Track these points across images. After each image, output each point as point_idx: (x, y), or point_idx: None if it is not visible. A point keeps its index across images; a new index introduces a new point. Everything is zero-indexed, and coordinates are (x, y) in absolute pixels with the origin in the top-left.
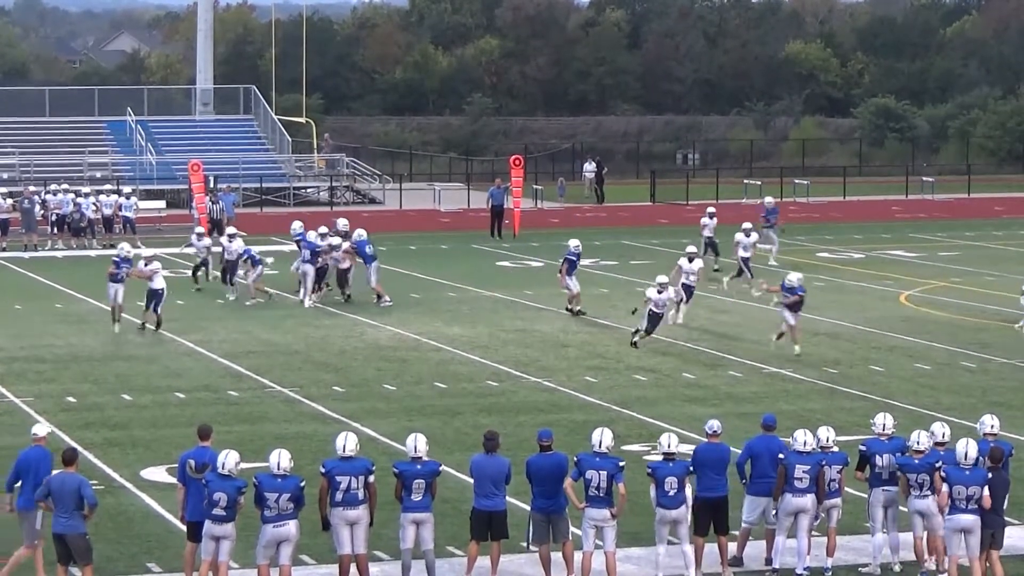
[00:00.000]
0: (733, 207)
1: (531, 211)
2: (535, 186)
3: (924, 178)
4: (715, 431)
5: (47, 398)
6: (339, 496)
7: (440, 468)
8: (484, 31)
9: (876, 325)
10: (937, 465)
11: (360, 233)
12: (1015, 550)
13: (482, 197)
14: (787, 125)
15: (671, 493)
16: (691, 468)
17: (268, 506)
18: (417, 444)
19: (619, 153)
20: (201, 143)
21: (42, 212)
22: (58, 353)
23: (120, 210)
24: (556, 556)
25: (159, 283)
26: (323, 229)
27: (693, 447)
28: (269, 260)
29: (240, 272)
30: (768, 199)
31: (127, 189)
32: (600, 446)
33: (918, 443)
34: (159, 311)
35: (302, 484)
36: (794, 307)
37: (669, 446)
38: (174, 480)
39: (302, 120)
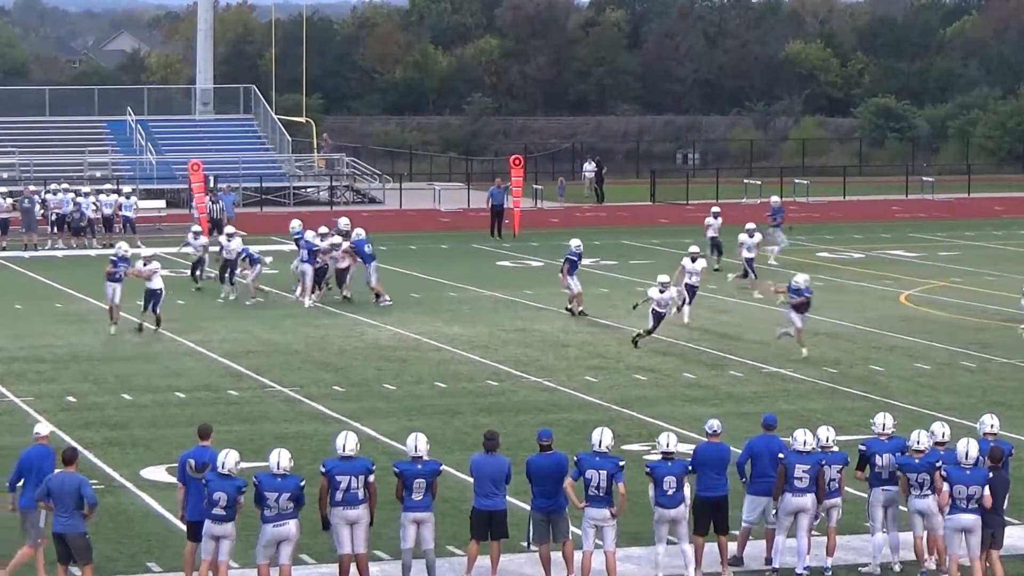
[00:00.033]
0: (734, 207)
1: (531, 211)
2: (535, 186)
3: (924, 178)
4: (715, 431)
5: (47, 398)
6: (339, 496)
7: (441, 468)
8: (484, 31)
9: (876, 325)
10: (938, 465)
11: (358, 232)
12: (1015, 550)
13: (482, 197)
14: (787, 125)
15: (669, 492)
16: (690, 467)
17: (268, 506)
18: (418, 444)
19: (619, 153)
20: (201, 143)
21: (42, 212)
22: (58, 353)
23: (120, 210)
24: (556, 556)
25: (157, 283)
26: (323, 229)
27: (693, 447)
28: (268, 260)
29: (238, 271)
30: (774, 198)
31: (127, 189)
32: (600, 446)
33: (918, 443)
34: (158, 311)
35: (302, 484)
36: (800, 308)
37: (668, 445)
38: (174, 480)
39: (302, 120)
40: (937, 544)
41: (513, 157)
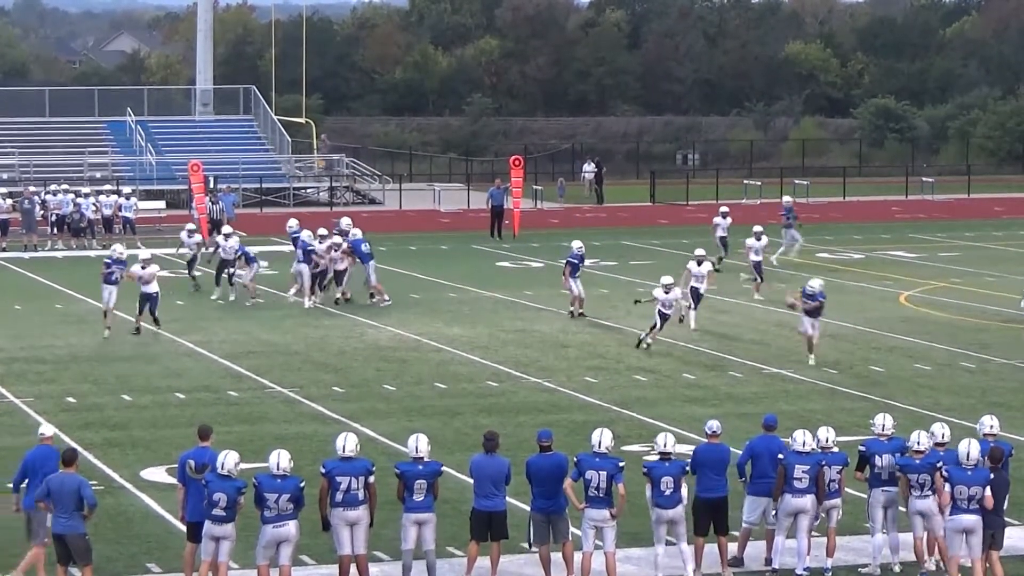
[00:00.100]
0: (734, 207)
1: (531, 211)
2: (535, 186)
3: (924, 178)
4: (715, 431)
5: (47, 399)
6: (339, 496)
7: (442, 468)
8: (484, 31)
9: (876, 325)
10: (939, 465)
11: (355, 232)
12: (1015, 550)
13: (482, 197)
14: (787, 125)
15: (667, 493)
16: (688, 468)
17: (268, 506)
18: (419, 444)
19: (619, 153)
20: (201, 143)
21: (42, 212)
22: (58, 353)
23: (120, 210)
24: (556, 556)
25: (154, 287)
26: (322, 231)
27: (693, 447)
28: (263, 263)
29: (235, 270)
30: (786, 198)
31: (127, 189)
32: (600, 446)
33: (918, 443)
34: (155, 313)
35: (302, 484)
36: (813, 313)
37: (665, 446)
38: (174, 480)
39: (302, 120)
40: (940, 544)
41: (513, 158)
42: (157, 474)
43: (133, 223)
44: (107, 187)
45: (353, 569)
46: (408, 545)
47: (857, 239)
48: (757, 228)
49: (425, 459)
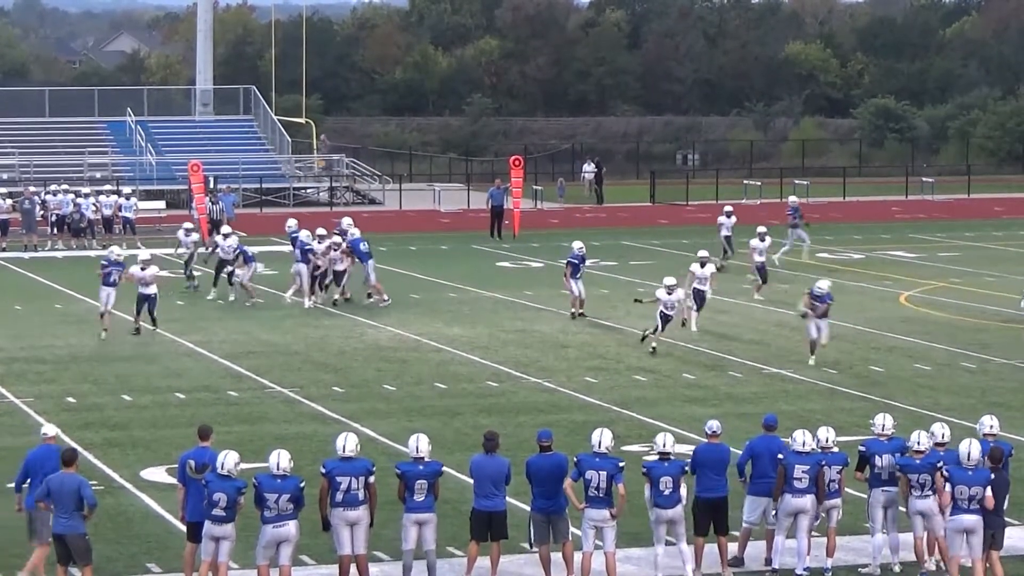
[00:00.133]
0: (734, 208)
1: (531, 211)
2: (535, 187)
3: (924, 178)
4: (715, 431)
5: (47, 399)
6: (339, 496)
7: (442, 468)
8: (484, 31)
9: (876, 325)
10: (940, 465)
11: (354, 232)
12: (1015, 550)
13: (482, 198)
14: (787, 126)
15: (666, 493)
16: (687, 468)
17: (268, 507)
18: (419, 444)
19: (619, 154)
20: (201, 143)
21: (42, 212)
22: (58, 353)
23: (120, 211)
24: (556, 556)
25: (152, 288)
26: (321, 231)
27: (693, 447)
28: (260, 265)
29: (233, 269)
30: (793, 198)
31: (127, 190)
32: (600, 446)
33: (918, 443)
34: (154, 314)
35: (302, 485)
36: (821, 315)
37: (664, 445)
38: (174, 480)
39: (302, 121)
40: (941, 544)
41: (513, 158)
42: (157, 474)
43: (133, 223)
44: (107, 187)
45: (353, 569)
46: (408, 545)
47: (857, 239)
48: (761, 229)
49: (426, 459)
